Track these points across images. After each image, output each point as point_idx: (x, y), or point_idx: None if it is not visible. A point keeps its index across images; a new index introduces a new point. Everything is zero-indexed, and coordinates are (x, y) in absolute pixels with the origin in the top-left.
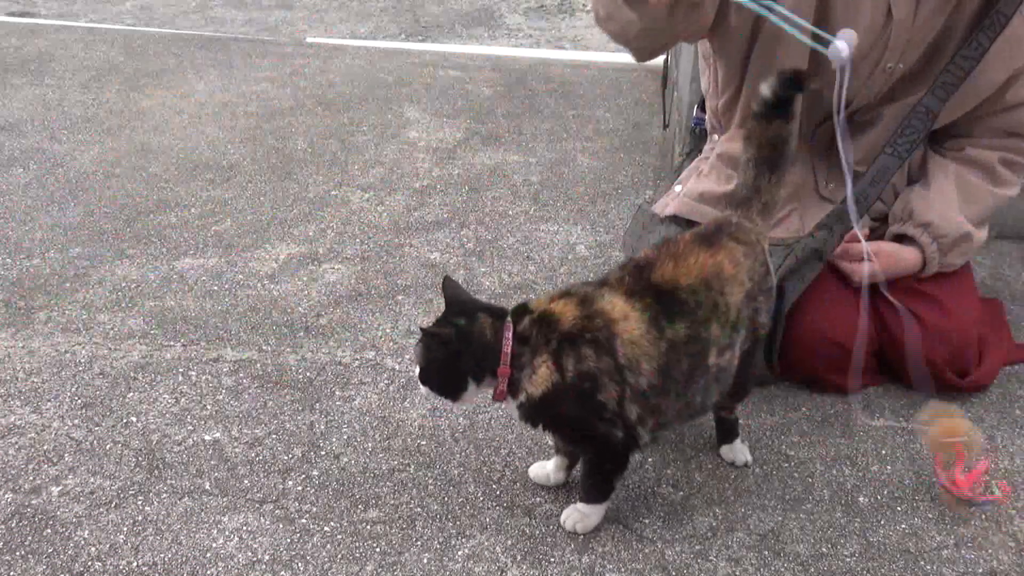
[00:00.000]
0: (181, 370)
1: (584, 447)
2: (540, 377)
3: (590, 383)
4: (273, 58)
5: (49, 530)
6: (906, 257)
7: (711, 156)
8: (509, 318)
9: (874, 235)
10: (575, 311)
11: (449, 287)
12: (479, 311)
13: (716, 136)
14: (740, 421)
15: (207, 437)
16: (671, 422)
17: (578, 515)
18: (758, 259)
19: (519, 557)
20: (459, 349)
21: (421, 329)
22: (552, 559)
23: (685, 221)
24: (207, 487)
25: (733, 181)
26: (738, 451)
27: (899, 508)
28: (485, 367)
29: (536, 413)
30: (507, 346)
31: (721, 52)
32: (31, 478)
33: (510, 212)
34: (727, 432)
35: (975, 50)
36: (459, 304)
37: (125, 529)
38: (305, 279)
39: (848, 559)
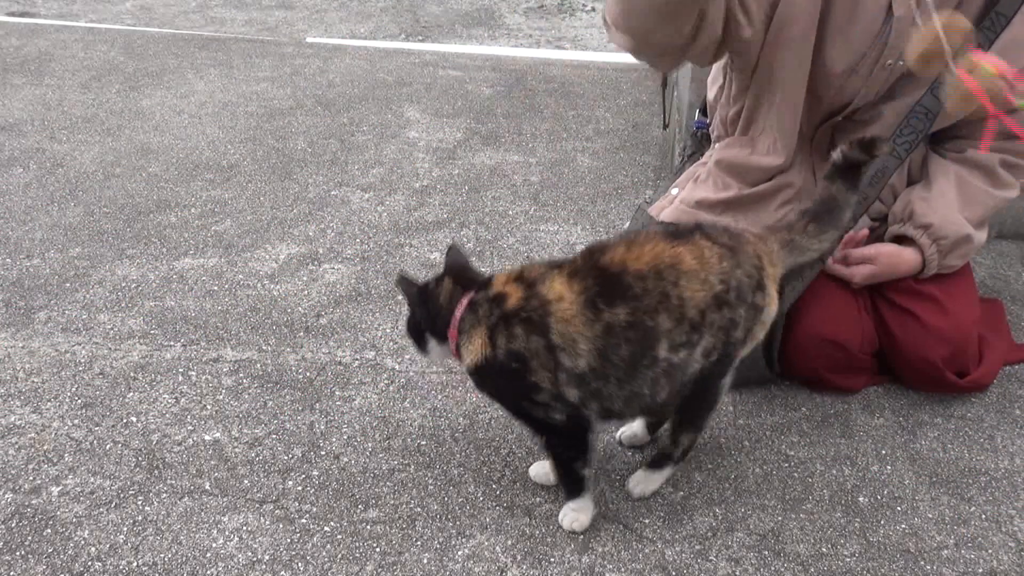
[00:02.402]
0: (181, 370)
1: (532, 430)
2: (473, 347)
3: (518, 363)
4: (273, 58)
5: (49, 530)
6: (906, 259)
7: (709, 162)
8: (475, 288)
9: (873, 235)
10: (520, 292)
11: (450, 255)
12: (449, 275)
13: (720, 144)
14: (709, 434)
15: (207, 437)
16: (622, 411)
17: (571, 513)
18: (743, 268)
19: (519, 557)
20: (416, 305)
21: (398, 275)
22: (552, 559)
23: None
24: (207, 487)
25: (730, 189)
26: (646, 481)
27: (899, 508)
28: (438, 327)
29: (476, 382)
30: (459, 311)
31: (737, 66)
32: (31, 478)
33: (510, 212)
34: (656, 458)
35: None
36: (447, 267)
37: (125, 529)
38: (305, 279)
39: (848, 559)
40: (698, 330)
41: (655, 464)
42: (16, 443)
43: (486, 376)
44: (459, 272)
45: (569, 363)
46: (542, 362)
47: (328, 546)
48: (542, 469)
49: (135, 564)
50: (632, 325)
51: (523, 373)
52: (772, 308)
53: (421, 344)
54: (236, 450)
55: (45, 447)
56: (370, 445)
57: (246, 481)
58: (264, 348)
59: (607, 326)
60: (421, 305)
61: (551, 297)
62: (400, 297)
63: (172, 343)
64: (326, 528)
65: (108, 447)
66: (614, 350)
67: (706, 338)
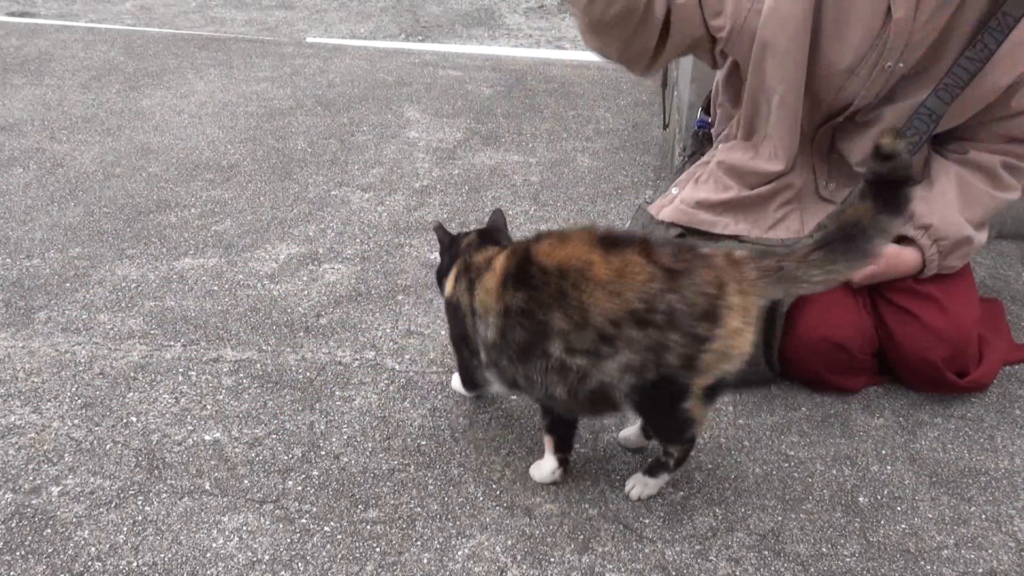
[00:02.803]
0: (181, 370)
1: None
2: (448, 283)
3: (456, 310)
4: (273, 58)
5: (49, 530)
6: (906, 259)
7: (711, 163)
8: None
9: None
10: (489, 254)
11: (493, 217)
12: (478, 231)
13: (723, 146)
14: (702, 442)
15: (207, 437)
16: (528, 390)
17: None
18: (682, 294)
19: (519, 557)
20: (444, 252)
21: (435, 223)
22: (552, 559)
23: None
24: (207, 487)
25: (731, 190)
26: (642, 485)
27: (899, 508)
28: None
29: None
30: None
31: (740, 65)
32: (31, 478)
33: (510, 212)
34: (652, 466)
35: (981, 52)
36: (486, 225)
37: (125, 529)
38: (305, 279)
39: (848, 559)
40: (610, 343)
41: (651, 471)
42: (16, 443)
43: (446, 310)
44: (488, 232)
45: (482, 330)
46: (468, 321)
47: (328, 546)
48: (539, 471)
49: (135, 564)
50: (525, 313)
51: (463, 319)
52: (735, 341)
53: (441, 286)
54: (236, 450)
55: (45, 447)
56: (370, 445)
57: (246, 481)
58: (264, 348)
59: (506, 307)
60: (447, 251)
61: (490, 267)
62: (400, 297)
63: (172, 343)
64: (326, 528)
65: (108, 447)
66: (511, 331)
67: (624, 354)
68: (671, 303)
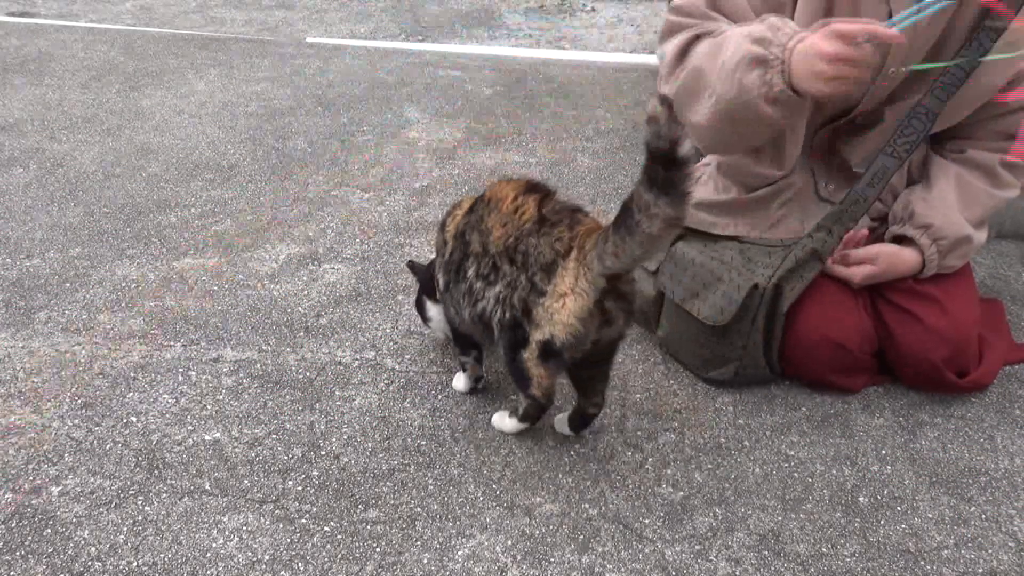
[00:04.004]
0: (181, 370)
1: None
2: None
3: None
4: (273, 58)
5: (49, 530)
6: (905, 259)
7: (712, 164)
8: None
9: (873, 235)
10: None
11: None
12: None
13: None
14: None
15: (207, 437)
16: (462, 316)
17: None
18: (539, 241)
19: (519, 557)
20: (420, 278)
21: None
22: (552, 559)
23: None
24: (207, 487)
25: (730, 192)
26: (501, 419)
27: (899, 508)
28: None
29: None
30: None
31: None
32: (31, 478)
33: None
34: (511, 407)
35: (976, 50)
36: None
37: (125, 529)
38: (305, 279)
39: (848, 559)
40: (497, 271)
41: (512, 412)
42: (16, 443)
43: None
44: None
45: (447, 251)
46: (438, 245)
47: (328, 546)
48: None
49: (135, 564)
50: (464, 235)
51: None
52: (558, 304)
53: (421, 310)
54: (236, 450)
55: (45, 447)
56: (370, 445)
57: (246, 481)
58: (264, 348)
59: (458, 229)
60: (424, 271)
61: (461, 207)
62: (400, 297)
63: (172, 343)
64: (326, 528)
65: (108, 447)
66: (454, 252)
67: (499, 285)
68: (529, 246)
